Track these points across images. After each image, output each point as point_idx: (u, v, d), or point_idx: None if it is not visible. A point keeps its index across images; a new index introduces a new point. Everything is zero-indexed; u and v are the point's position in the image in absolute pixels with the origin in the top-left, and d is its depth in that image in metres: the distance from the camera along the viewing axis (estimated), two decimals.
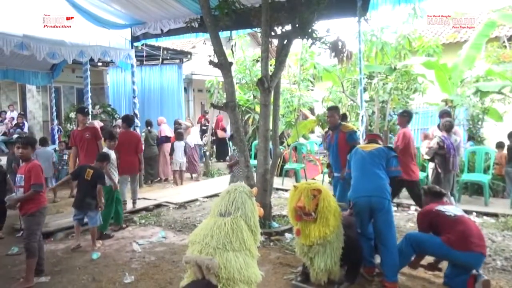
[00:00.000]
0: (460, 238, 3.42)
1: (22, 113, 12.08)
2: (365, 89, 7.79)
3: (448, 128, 5.98)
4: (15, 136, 10.36)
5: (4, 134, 10.64)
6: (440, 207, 3.71)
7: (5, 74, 9.59)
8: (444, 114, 6.56)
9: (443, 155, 5.78)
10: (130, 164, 6.45)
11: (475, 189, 6.93)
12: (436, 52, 9.12)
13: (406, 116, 5.71)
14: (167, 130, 9.92)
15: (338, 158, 5.08)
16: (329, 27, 5.61)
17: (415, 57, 9.00)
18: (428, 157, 5.89)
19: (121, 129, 6.97)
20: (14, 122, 11.17)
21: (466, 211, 5.93)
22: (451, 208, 3.74)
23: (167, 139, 9.67)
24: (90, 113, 9.60)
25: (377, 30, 8.63)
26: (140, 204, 6.98)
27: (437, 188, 4.08)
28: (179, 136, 9.21)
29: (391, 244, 3.68)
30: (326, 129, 5.41)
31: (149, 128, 9.30)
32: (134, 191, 6.82)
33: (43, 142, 7.57)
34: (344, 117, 7.08)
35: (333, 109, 5.35)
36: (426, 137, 6.41)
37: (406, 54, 8.69)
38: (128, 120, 6.87)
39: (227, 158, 8.52)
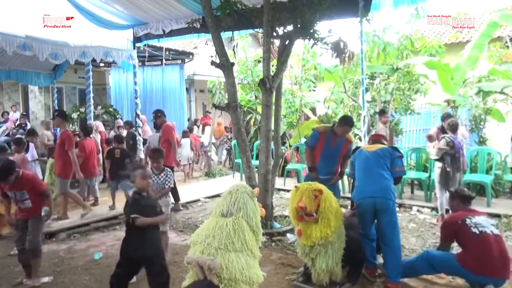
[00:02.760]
0: (477, 262, 3.26)
1: (24, 113, 12.12)
2: (367, 90, 7.79)
3: (454, 128, 5.99)
4: (17, 137, 10.39)
5: (7, 134, 10.66)
6: (468, 220, 3.44)
7: (8, 75, 9.62)
8: (446, 117, 6.57)
9: (453, 154, 5.80)
10: (91, 167, 6.95)
11: (477, 190, 6.91)
12: (438, 52, 9.09)
13: None
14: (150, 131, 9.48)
15: (336, 163, 4.96)
16: (331, 28, 5.61)
17: (417, 57, 8.99)
18: (437, 158, 5.89)
19: (81, 138, 7.20)
20: (17, 122, 11.20)
21: None
22: (482, 221, 3.44)
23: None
24: (92, 113, 9.64)
25: (379, 31, 8.63)
26: None
27: (466, 191, 3.86)
28: (184, 134, 9.87)
29: (394, 245, 3.68)
30: (318, 128, 5.08)
31: (132, 129, 9.10)
32: (94, 190, 7.27)
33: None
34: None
35: (352, 125, 5.00)
36: (430, 138, 6.39)
37: (408, 55, 8.67)
38: (85, 129, 7.44)
39: None
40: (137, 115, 8.94)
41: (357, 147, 4.26)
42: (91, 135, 7.51)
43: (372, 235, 3.87)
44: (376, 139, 4.31)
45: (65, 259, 4.69)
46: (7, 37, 6.32)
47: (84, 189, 7.14)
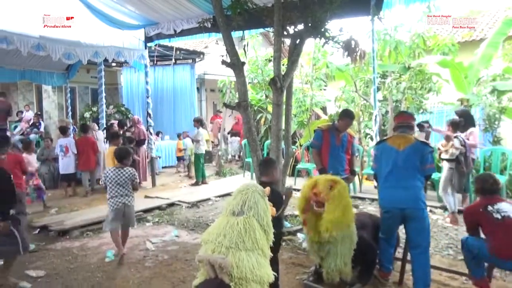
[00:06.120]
0: (504, 247, 3.18)
1: (38, 113, 12.31)
2: (378, 89, 7.73)
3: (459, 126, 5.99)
4: (32, 135, 10.57)
5: (22, 134, 10.84)
6: (490, 207, 3.34)
7: (23, 75, 9.79)
8: (462, 114, 6.51)
9: (465, 154, 5.76)
10: (87, 162, 8.03)
11: None
12: (451, 50, 8.97)
13: None
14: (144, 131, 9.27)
15: (345, 160, 4.89)
16: (342, 26, 5.56)
17: (430, 56, 8.88)
18: (452, 158, 5.83)
19: (81, 135, 8.03)
20: (31, 122, 11.38)
21: None
22: (504, 206, 3.34)
23: (143, 141, 9.02)
24: (104, 112, 9.74)
25: (391, 29, 8.54)
26: (153, 203, 7.08)
27: (489, 182, 3.53)
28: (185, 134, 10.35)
29: (422, 249, 3.52)
30: (321, 127, 5.00)
31: (125, 129, 9.11)
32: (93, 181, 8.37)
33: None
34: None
35: (353, 118, 4.96)
36: (449, 138, 6.29)
37: (420, 53, 8.57)
38: (84, 127, 8.49)
39: None
40: (148, 114, 9.01)
41: (381, 140, 3.94)
42: (88, 134, 8.39)
43: (393, 240, 3.77)
44: (403, 123, 3.82)
45: (78, 257, 4.75)
46: (22, 38, 6.44)
47: (85, 182, 8.11)
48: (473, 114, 8.44)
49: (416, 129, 6.23)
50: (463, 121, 6.25)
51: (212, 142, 11.97)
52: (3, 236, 3.74)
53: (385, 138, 3.95)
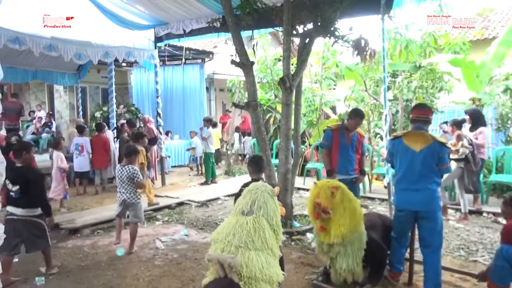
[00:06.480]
0: None
1: (50, 112, 12.46)
2: (388, 88, 7.66)
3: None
4: (44, 135, 10.72)
5: (33, 133, 10.99)
6: None
7: (35, 75, 9.91)
8: (472, 113, 6.44)
9: (472, 153, 5.76)
10: (100, 160, 8.17)
11: (503, 191, 6.70)
12: (463, 49, 8.86)
13: None
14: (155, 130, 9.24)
15: (355, 159, 4.84)
16: (352, 25, 5.55)
17: (441, 55, 8.78)
18: (461, 157, 5.79)
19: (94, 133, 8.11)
20: (43, 121, 11.53)
21: (494, 213, 5.87)
22: None
23: (154, 140, 8.96)
24: (115, 112, 9.82)
25: (401, 28, 8.46)
26: (162, 202, 7.12)
27: None
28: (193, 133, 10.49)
29: (434, 248, 3.48)
30: (331, 127, 4.93)
31: (134, 128, 8.91)
32: (104, 179, 8.52)
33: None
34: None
35: (363, 117, 4.91)
36: (460, 137, 6.24)
37: (431, 52, 8.48)
38: (99, 126, 8.61)
39: None
40: (158, 114, 9.06)
41: (396, 137, 3.76)
42: (102, 133, 8.43)
43: (406, 241, 3.73)
44: (419, 116, 3.64)
45: (89, 255, 4.81)
46: (34, 38, 6.52)
47: (97, 180, 8.25)
48: (485, 114, 8.34)
49: (441, 132, 6.23)
50: (471, 120, 6.22)
51: (225, 141, 11.99)
52: (39, 230, 4.05)
53: (400, 134, 3.79)
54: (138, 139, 6.58)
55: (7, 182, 3.90)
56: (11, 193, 3.95)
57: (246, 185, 3.15)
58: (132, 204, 4.84)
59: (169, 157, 10.41)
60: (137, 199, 4.87)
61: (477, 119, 6.22)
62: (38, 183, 4.01)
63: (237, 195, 3.16)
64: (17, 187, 3.90)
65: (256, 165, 3.59)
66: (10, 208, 3.98)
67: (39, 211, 4.01)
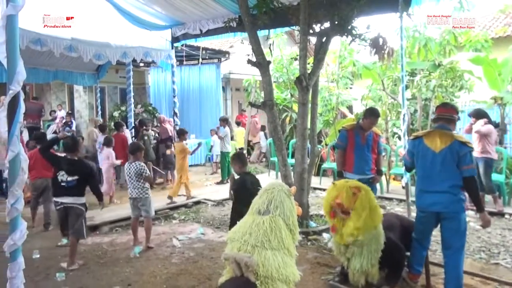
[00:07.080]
0: None
1: (70, 112, 12.73)
2: (407, 87, 7.53)
3: None
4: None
5: (54, 132, 11.25)
6: None
7: (55, 75, 10.14)
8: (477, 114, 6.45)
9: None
10: (119, 157, 7.82)
11: None
12: (484, 47, 8.65)
13: None
14: (170, 130, 9.34)
15: (371, 159, 4.78)
16: (369, 24, 5.49)
17: (462, 53, 8.58)
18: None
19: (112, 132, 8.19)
20: (63, 121, 11.80)
21: None
22: None
23: (169, 139, 9.02)
24: (132, 112, 9.96)
25: (420, 26, 8.31)
26: (179, 201, 7.19)
27: None
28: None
29: (455, 250, 3.41)
30: (346, 127, 4.90)
31: (144, 128, 8.96)
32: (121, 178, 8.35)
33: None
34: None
35: (378, 116, 4.85)
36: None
37: (451, 50, 8.31)
38: (117, 125, 8.66)
39: None
40: (175, 114, 9.14)
41: (417, 137, 3.67)
42: (120, 131, 8.45)
43: (427, 243, 3.65)
44: (443, 115, 3.56)
45: (108, 252, 4.89)
46: (55, 40, 6.67)
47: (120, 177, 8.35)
48: (507, 113, 8.13)
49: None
50: (475, 119, 6.24)
51: (249, 141, 12.01)
52: (81, 218, 4.43)
53: (421, 134, 3.70)
54: (179, 136, 7.36)
55: (62, 173, 4.31)
56: (62, 184, 4.33)
57: (238, 180, 3.91)
58: (141, 199, 4.93)
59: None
60: (145, 194, 4.95)
61: (481, 116, 6.25)
62: (95, 174, 4.72)
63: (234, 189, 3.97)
64: (75, 177, 4.34)
65: (240, 161, 4.01)
66: (59, 199, 4.40)
67: (83, 199, 4.46)
